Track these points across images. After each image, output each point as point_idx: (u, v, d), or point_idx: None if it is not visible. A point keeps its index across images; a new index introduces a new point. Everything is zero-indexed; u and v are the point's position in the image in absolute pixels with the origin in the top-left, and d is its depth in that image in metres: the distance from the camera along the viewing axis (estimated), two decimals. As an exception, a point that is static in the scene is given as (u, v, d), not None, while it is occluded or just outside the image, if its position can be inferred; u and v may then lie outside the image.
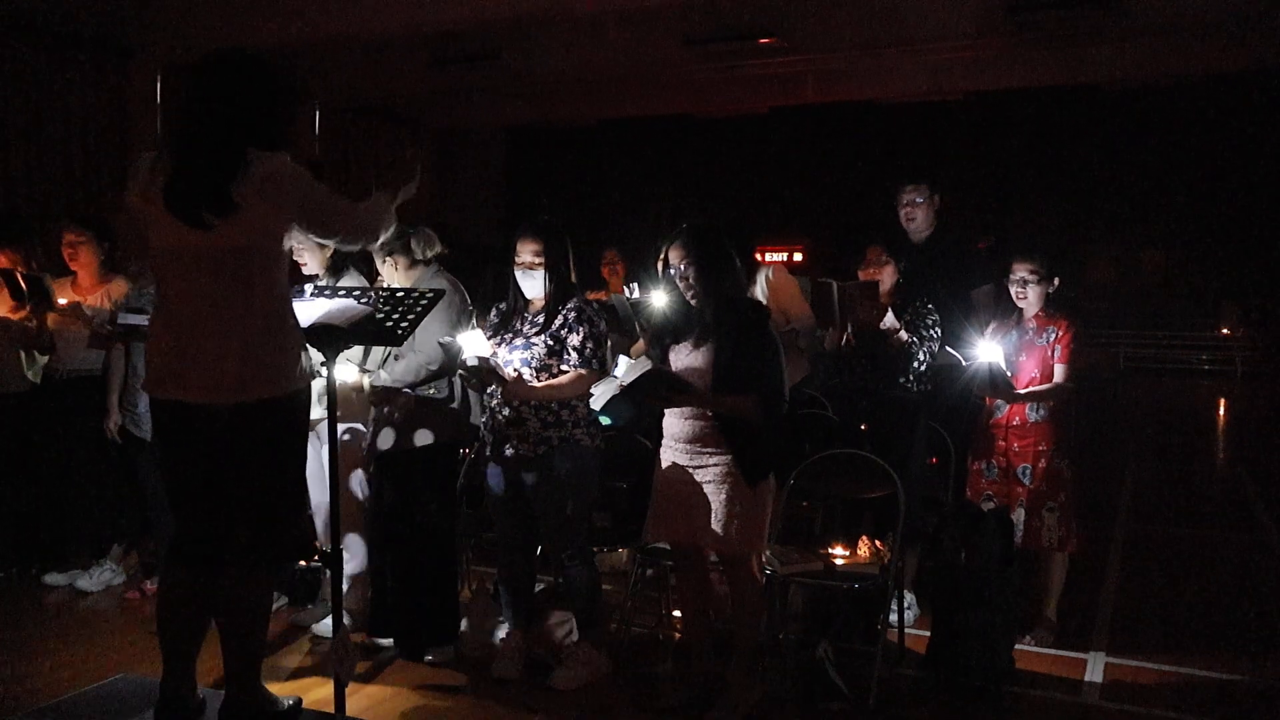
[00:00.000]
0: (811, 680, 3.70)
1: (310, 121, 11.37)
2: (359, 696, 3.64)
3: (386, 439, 3.97)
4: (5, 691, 3.69)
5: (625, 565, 4.85)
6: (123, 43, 8.48)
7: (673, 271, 3.50)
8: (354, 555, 4.26)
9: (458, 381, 3.97)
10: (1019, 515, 4.20)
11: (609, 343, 3.86)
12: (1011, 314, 4.42)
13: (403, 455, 3.96)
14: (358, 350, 4.01)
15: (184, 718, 2.83)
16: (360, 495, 4.27)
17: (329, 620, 3.65)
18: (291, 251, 3.10)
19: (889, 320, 4.37)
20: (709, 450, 3.45)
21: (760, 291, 4.99)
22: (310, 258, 4.12)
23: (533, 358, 3.71)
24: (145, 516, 4.78)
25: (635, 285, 5.93)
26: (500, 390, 3.70)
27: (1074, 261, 18.59)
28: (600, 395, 4.06)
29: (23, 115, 7.91)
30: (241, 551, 2.74)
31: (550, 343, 3.71)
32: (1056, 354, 4.23)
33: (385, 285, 4.07)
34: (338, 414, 3.08)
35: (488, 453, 3.84)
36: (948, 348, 4.48)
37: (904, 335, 4.35)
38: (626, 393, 3.47)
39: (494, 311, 3.95)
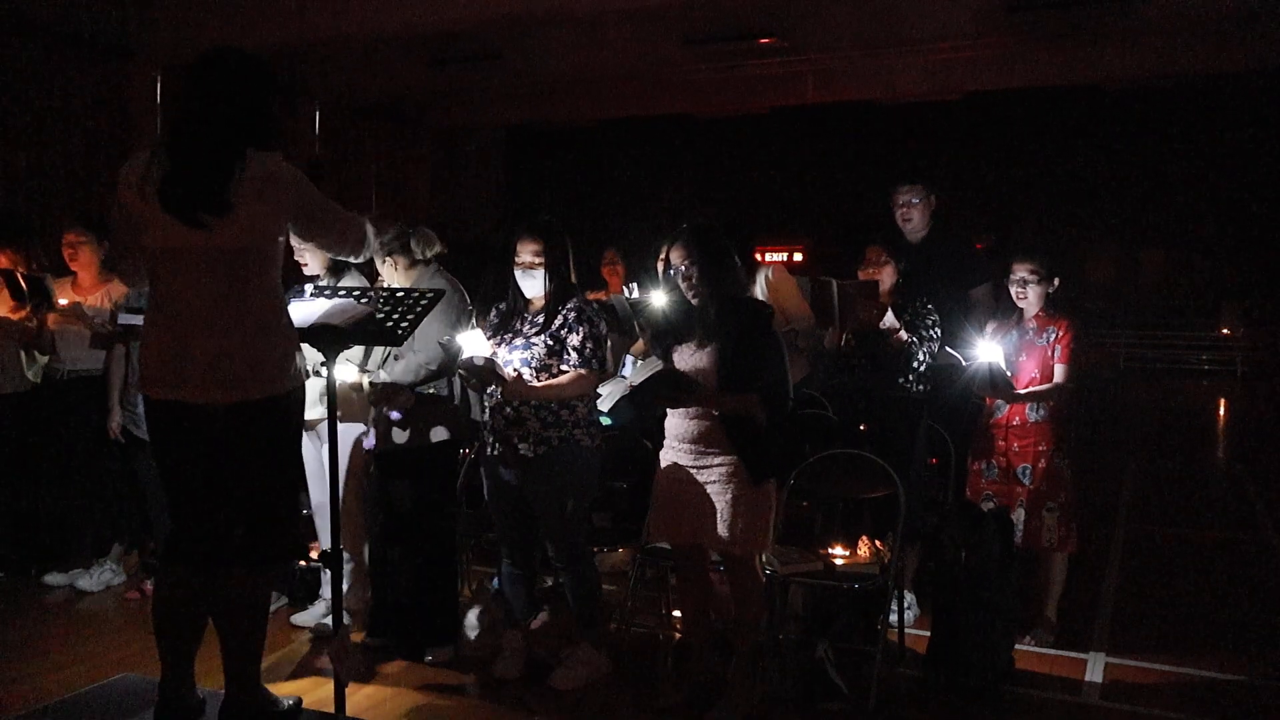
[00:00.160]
0: (811, 680, 3.69)
1: (310, 121, 11.38)
2: (359, 696, 3.64)
3: (387, 438, 3.97)
4: (5, 691, 3.69)
5: (625, 565, 4.85)
6: (123, 43, 8.49)
7: (674, 272, 3.49)
8: (354, 555, 4.26)
9: (457, 381, 3.97)
10: (1019, 515, 4.20)
11: (609, 343, 3.86)
12: (1011, 314, 4.43)
13: (403, 454, 3.97)
14: (358, 350, 4.01)
15: (184, 718, 2.82)
16: (360, 495, 4.27)
17: (329, 620, 3.66)
18: (292, 252, 3.11)
19: (889, 320, 4.37)
20: (713, 450, 3.45)
21: (760, 291, 4.99)
22: (311, 258, 4.11)
23: (532, 358, 3.70)
24: (145, 516, 4.79)
25: (635, 285, 5.92)
26: (500, 390, 3.70)
27: (1074, 261, 18.60)
28: (609, 396, 4.05)
29: (23, 115, 7.92)
30: (238, 551, 2.74)
31: (550, 343, 3.70)
32: (1056, 354, 4.23)
33: (385, 285, 4.07)
34: (338, 414, 3.08)
35: (488, 452, 3.84)
36: (947, 348, 4.48)
37: (904, 335, 4.35)
38: (635, 394, 3.46)
39: (494, 311, 3.94)
